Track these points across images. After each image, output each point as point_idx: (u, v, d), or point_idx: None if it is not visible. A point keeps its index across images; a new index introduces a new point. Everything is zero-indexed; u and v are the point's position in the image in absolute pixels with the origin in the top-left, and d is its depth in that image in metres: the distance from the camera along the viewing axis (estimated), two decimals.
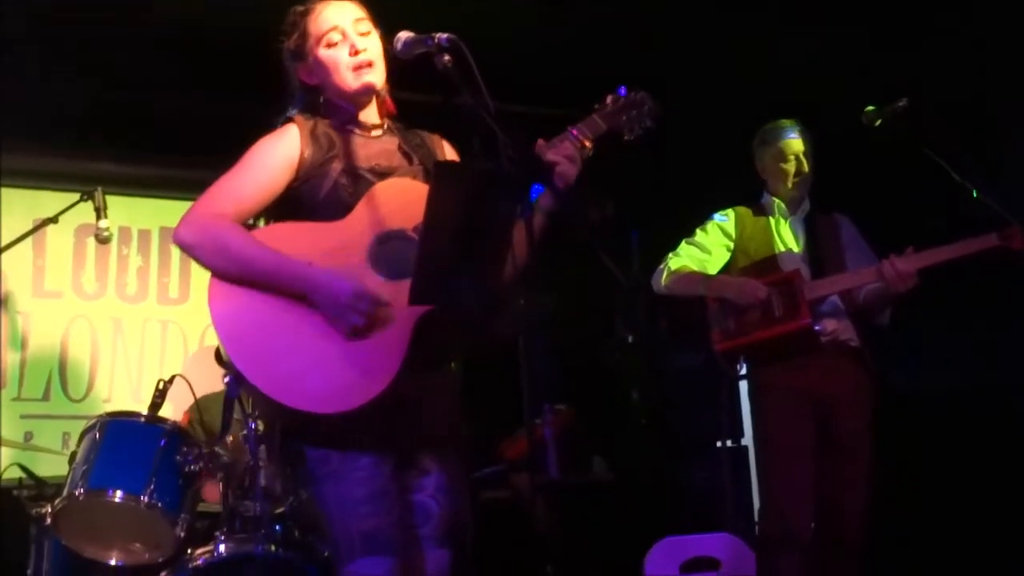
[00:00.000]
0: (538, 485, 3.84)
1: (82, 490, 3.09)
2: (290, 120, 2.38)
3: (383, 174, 2.35)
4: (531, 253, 2.13)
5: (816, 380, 3.41)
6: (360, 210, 2.27)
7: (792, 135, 3.64)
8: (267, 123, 2.39)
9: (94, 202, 3.85)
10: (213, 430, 3.87)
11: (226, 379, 3.29)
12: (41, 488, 3.74)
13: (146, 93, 4.68)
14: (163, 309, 5.14)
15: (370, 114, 2.44)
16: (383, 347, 2.15)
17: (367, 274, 2.21)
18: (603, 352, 5.49)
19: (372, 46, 2.37)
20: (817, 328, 3.38)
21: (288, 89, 2.46)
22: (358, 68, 2.35)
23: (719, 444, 4.97)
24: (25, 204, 4.75)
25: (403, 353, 2.14)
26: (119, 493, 3.08)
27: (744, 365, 3.58)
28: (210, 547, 3.16)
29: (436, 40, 2.15)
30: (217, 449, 3.24)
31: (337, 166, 2.32)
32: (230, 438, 3.40)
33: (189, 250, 2.25)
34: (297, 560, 3.16)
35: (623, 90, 2.46)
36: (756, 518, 3.66)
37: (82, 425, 3.34)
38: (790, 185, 3.63)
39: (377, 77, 2.38)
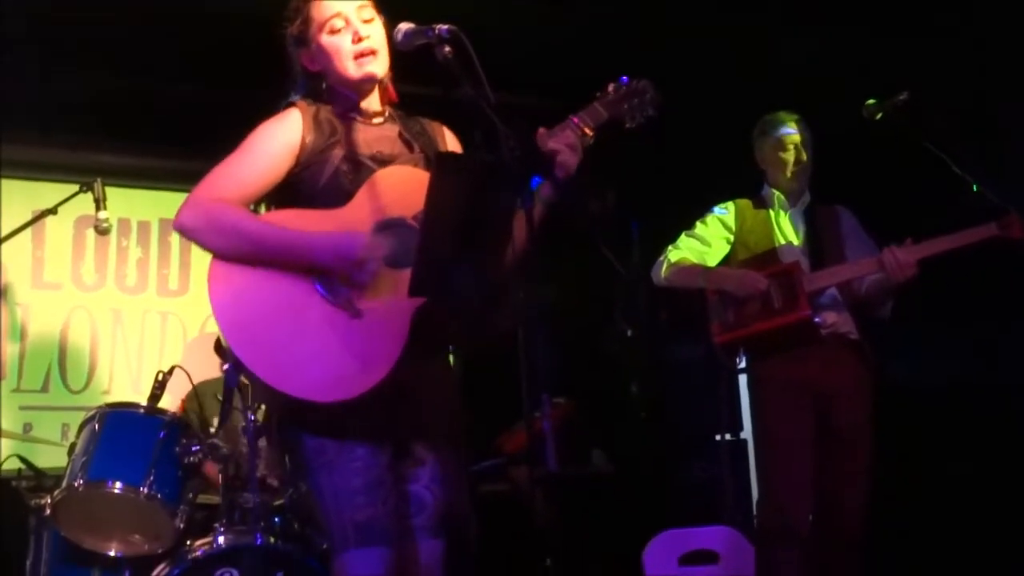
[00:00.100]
0: (537, 478, 3.84)
1: (81, 481, 3.09)
2: (292, 105, 2.37)
3: (384, 161, 2.34)
4: (531, 244, 2.12)
5: (816, 373, 3.41)
6: (361, 197, 2.26)
7: (791, 124, 3.64)
8: (268, 114, 2.38)
9: (93, 193, 3.85)
10: (207, 418, 3.88)
11: (225, 367, 3.29)
12: (40, 479, 3.75)
13: (146, 84, 4.67)
14: (163, 301, 5.14)
15: (372, 102, 2.43)
16: (383, 336, 2.15)
17: None
18: (603, 344, 5.50)
19: (375, 34, 2.36)
20: (817, 320, 3.38)
21: (290, 75, 2.45)
22: (360, 56, 2.34)
23: (718, 437, 4.97)
24: (24, 195, 4.75)
25: (402, 342, 2.14)
26: (118, 484, 3.08)
27: (744, 357, 3.58)
28: (209, 539, 3.17)
29: (436, 31, 2.14)
30: (216, 440, 3.24)
31: (338, 153, 2.31)
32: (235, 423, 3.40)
33: (190, 234, 2.24)
34: (296, 552, 3.17)
35: (625, 79, 2.46)
36: (755, 511, 3.66)
37: (81, 416, 3.35)
38: (789, 175, 3.63)
39: (380, 65, 2.37)
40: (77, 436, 3.29)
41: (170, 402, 3.52)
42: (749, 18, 4.39)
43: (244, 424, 3.26)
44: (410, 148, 2.42)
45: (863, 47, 4.37)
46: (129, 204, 5.04)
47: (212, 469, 3.48)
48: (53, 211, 3.93)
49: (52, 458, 3.84)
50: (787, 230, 3.63)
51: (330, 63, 2.36)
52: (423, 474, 2.30)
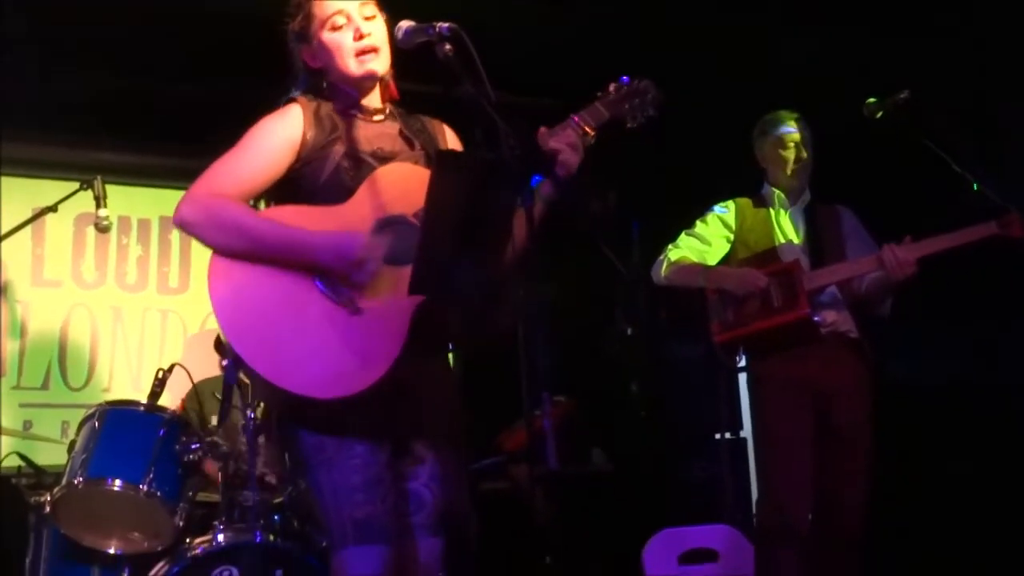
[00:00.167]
0: (537, 476, 3.84)
1: (81, 479, 3.09)
2: (293, 101, 2.37)
3: (385, 159, 2.34)
4: (531, 242, 2.12)
5: (815, 371, 3.41)
6: (362, 194, 2.26)
7: (791, 124, 3.64)
8: (268, 111, 2.38)
9: (94, 191, 3.84)
10: (207, 416, 3.87)
11: (224, 363, 3.29)
12: (40, 477, 3.75)
13: (146, 82, 4.67)
14: (163, 298, 5.14)
15: (373, 99, 2.43)
16: (383, 333, 2.15)
17: None
18: (603, 343, 5.50)
19: (377, 31, 2.36)
20: (816, 319, 3.38)
21: (291, 71, 2.45)
22: (362, 53, 2.34)
23: (718, 436, 4.97)
24: (25, 192, 4.74)
25: (402, 339, 2.14)
26: (118, 482, 3.08)
27: (743, 356, 3.58)
28: (209, 536, 3.17)
29: (437, 29, 2.15)
30: (216, 438, 3.24)
31: (339, 149, 2.31)
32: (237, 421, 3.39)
33: (190, 228, 2.23)
34: (295, 550, 3.17)
35: (626, 79, 2.46)
36: (754, 510, 3.66)
37: (81, 414, 3.35)
38: (790, 173, 3.63)
39: (381, 63, 2.37)
40: (77, 434, 3.29)
41: (170, 401, 3.52)
42: (749, 18, 4.39)
43: (243, 422, 3.26)
44: (411, 146, 2.42)
45: (863, 47, 4.37)
46: (129, 202, 5.04)
47: (212, 467, 3.48)
48: (53, 208, 3.92)
49: (52, 455, 3.85)
50: (787, 229, 3.63)
51: (331, 60, 2.36)
52: (422, 472, 2.30)
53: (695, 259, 3.63)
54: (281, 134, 2.30)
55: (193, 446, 3.19)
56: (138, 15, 4.21)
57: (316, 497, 2.22)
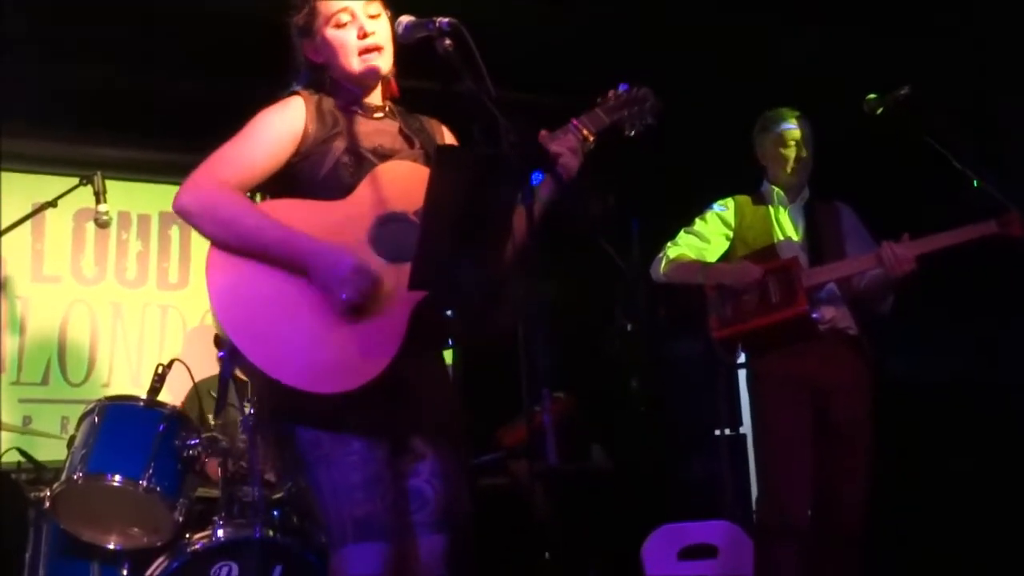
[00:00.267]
0: (537, 472, 3.83)
1: (81, 474, 3.09)
2: (295, 94, 2.36)
3: (385, 156, 2.34)
4: (531, 239, 2.12)
5: (814, 368, 3.41)
6: (363, 190, 2.26)
7: (791, 121, 3.64)
8: (268, 106, 2.37)
9: (93, 186, 3.84)
10: (207, 415, 3.87)
11: (220, 355, 3.28)
12: (40, 472, 3.75)
13: (146, 77, 4.66)
14: (163, 294, 5.13)
15: (374, 96, 2.43)
16: (382, 330, 2.14)
17: (368, 254, 2.21)
18: (603, 340, 5.49)
19: (381, 30, 2.36)
20: (815, 316, 3.38)
21: (293, 64, 2.45)
22: (365, 52, 2.34)
23: (718, 432, 4.98)
24: (24, 188, 4.74)
25: (401, 336, 2.13)
26: (118, 477, 3.08)
27: (742, 353, 3.58)
28: (208, 532, 3.17)
29: (437, 24, 2.15)
30: (215, 433, 3.24)
31: (340, 144, 2.31)
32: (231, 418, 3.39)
33: (189, 218, 2.21)
34: (295, 546, 3.17)
35: (625, 86, 2.48)
36: (754, 506, 3.66)
37: (81, 409, 3.34)
38: (789, 171, 3.63)
39: (384, 62, 2.37)
40: (76, 429, 3.29)
41: (169, 397, 3.52)
42: (749, 18, 4.39)
43: (242, 418, 3.25)
44: (410, 144, 2.42)
45: (863, 47, 4.37)
46: (129, 197, 5.03)
47: (213, 468, 3.48)
48: (53, 204, 3.93)
49: (51, 451, 3.85)
50: (786, 226, 3.63)
51: (334, 57, 2.36)
52: (423, 469, 2.29)
53: (694, 256, 3.64)
54: (283, 125, 2.29)
55: (192, 441, 3.18)
56: (138, 10, 4.21)
57: (315, 495, 2.20)
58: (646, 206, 5.37)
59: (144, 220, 5.15)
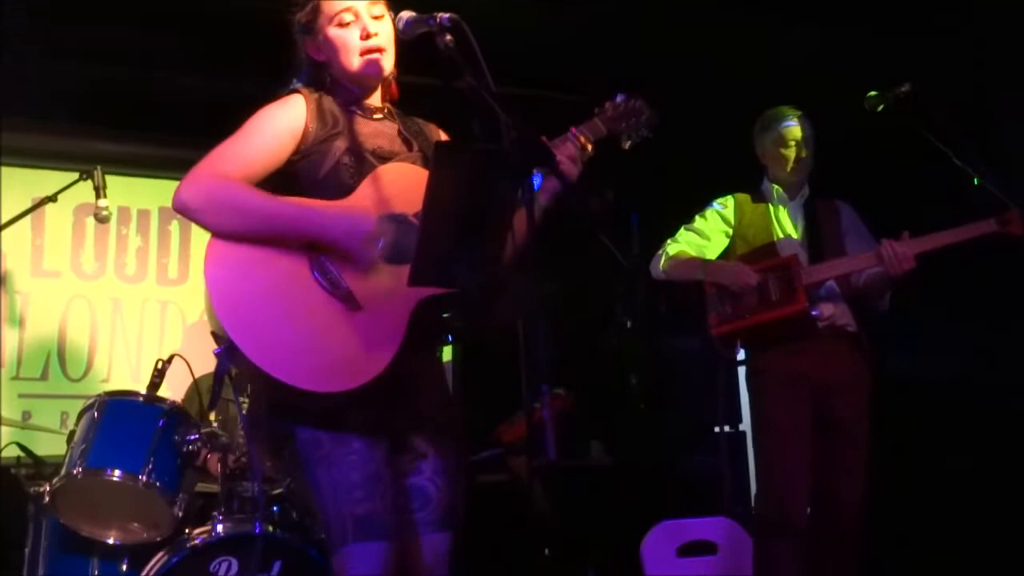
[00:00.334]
0: (536, 468, 3.83)
1: (80, 469, 3.09)
2: (295, 91, 2.35)
3: (384, 157, 2.33)
4: (531, 236, 2.12)
5: (813, 365, 3.41)
6: (364, 190, 2.25)
7: (792, 121, 3.64)
8: (268, 103, 2.36)
9: (93, 181, 3.84)
10: (206, 413, 3.86)
11: (216, 351, 3.26)
12: (39, 467, 3.74)
13: (146, 72, 4.66)
14: (162, 289, 5.14)
15: (374, 97, 2.42)
16: (382, 327, 2.14)
17: None
18: (602, 336, 5.50)
19: (383, 31, 2.35)
20: (814, 313, 3.39)
21: (294, 61, 2.44)
22: (367, 53, 2.33)
23: (717, 429, 4.98)
24: (24, 183, 4.74)
25: (402, 334, 2.13)
26: (117, 472, 3.08)
27: (741, 350, 3.58)
28: (208, 527, 3.17)
29: (438, 19, 2.13)
30: (215, 429, 3.24)
31: (340, 144, 2.29)
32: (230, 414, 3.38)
33: (190, 213, 2.17)
34: (295, 541, 3.17)
35: (622, 96, 2.49)
36: (753, 503, 3.67)
37: (80, 404, 3.34)
38: (789, 170, 3.64)
39: (386, 63, 2.36)
40: (76, 424, 3.29)
41: (169, 393, 3.51)
42: (749, 18, 4.39)
43: (242, 413, 3.25)
44: (409, 146, 2.42)
45: (863, 47, 4.38)
46: (129, 192, 5.03)
47: (213, 464, 3.48)
48: (53, 199, 3.93)
49: (51, 446, 3.84)
50: (786, 224, 3.63)
51: (336, 56, 2.35)
52: (425, 467, 2.29)
53: (693, 253, 3.64)
54: (284, 122, 2.27)
55: (192, 437, 3.18)
56: (139, 7, 4.20)
57: (314, 495, 2.18)
58: (646, 202, 5.37)
59: (144, 215, 5.15)
